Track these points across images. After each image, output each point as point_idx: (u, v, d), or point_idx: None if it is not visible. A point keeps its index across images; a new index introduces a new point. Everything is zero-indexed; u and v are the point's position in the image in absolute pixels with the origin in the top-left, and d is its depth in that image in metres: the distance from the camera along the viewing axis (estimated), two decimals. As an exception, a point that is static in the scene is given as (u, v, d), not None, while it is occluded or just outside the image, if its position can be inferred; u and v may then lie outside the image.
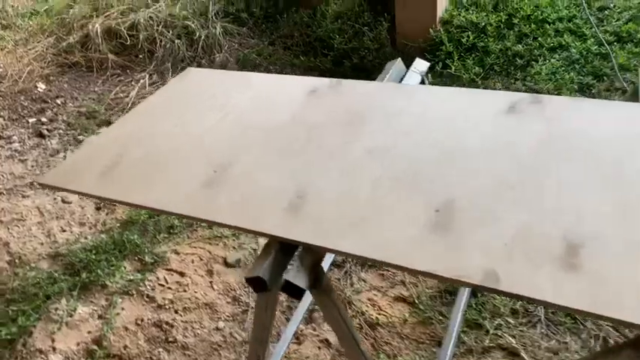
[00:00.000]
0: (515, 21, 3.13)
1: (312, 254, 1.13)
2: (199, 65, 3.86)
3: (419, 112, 1.44)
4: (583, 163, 1.17)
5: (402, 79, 1.76)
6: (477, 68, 3.01)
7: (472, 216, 1.09)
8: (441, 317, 1.96)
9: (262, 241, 2.38)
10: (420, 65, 1.77)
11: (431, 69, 3.14)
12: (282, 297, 2.10)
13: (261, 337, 1.42)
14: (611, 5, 3.07)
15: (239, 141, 1.46)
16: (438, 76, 3.10)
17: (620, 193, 1.08)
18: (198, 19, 4.17)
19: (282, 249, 1.16)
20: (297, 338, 1.97)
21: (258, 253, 2.25)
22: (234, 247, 2.38)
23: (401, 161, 1.27)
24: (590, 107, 1.37)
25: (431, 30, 3.25)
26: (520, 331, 1.87)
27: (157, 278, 2.27)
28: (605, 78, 2.73)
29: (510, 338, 1.84)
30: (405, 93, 1.58)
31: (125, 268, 2.32)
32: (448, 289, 2.05)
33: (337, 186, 1.23)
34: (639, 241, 0.98)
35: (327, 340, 1.95)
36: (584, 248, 0.98)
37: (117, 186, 1.38)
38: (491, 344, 1.84)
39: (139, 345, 2.01)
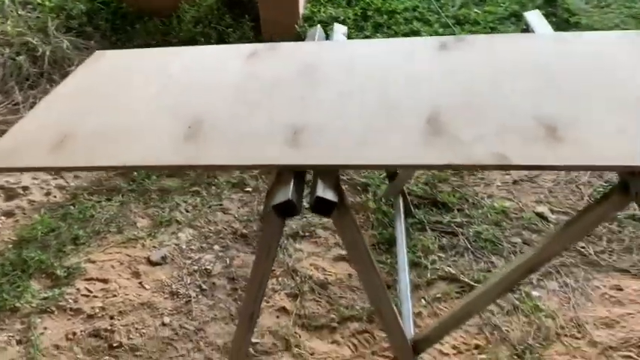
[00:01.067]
0: (370, 13, 3.47)
1: (330, 175, 1.18)
2: (51, 81, 3.54)
3: (367, 60, 1.56)
4: (520, 76, 1.40)
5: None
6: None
7: (457, 122, 1.24)
8: (382, 265, 2.09)
9: (183, 236, 2.30)
10: (341, 29, 1.91)
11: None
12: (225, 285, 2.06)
13: (257, 293, 1.41)
14: (444, -4, 3.58)
15: (198, 100, 1.43)
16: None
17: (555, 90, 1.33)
18: (37, 35, 3.83)
19: (296, 177, 1.19)
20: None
21: (182, 247, 2.19)
22: (154, 247, 2.25)
23: (374, 96, 1.38)
24: (504, 39, 1.64)
25: (296, 26, 3.43)
26: (452, 261, 2.08)
27: (78, 290, 2.04)
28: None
29: (447, 268, 2.05)
30: (344, 46, 1.70)
31: (34, 287, 2.05)
32: (381, 240, 2.20)
33: (328, 121, 1.29)
34: (591, 119, 1.22)
35: (283, 307, 1.95)
36: (560, 127, 1.18)
37: (78, 155, 1.27)
38: (432, 277, 2.02)
39: (79, 359, 1.80)
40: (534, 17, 1.81)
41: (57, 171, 2.61)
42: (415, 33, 3.34)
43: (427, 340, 1.51)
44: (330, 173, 1.18)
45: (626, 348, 1.73)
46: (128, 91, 1.52)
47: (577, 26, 3.26)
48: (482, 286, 1.40)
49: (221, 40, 3.57)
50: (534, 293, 1.93)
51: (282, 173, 1.20)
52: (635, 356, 1.70)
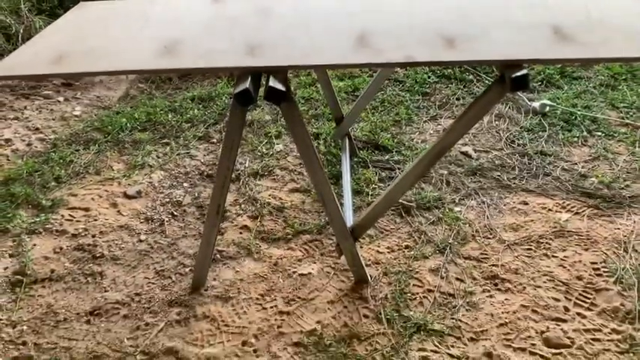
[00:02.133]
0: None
1: (280, 74, 1.51)
2: (24, 55, 3.76)
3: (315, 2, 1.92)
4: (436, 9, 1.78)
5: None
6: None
7: (380, 39, 1.60)
8: (330, 193, 2.43)
9: (155, 176, 2.59)
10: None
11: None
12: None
13: (223, 186, 1.72)
14: None
15: (173, 31, 1.75)
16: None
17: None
18: (10, 16, 4.05)
19: (253, 77, 1.52)
20: (219, 232, 2.24)
21: (155, 184, 2.48)
22: (129, 184, 2.53)
23: (318, 24, 1.72)
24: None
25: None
26: (390, 188, 2.44)
27: (62, 216, 2.31)
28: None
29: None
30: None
31: (22, 214, 2.30)
32: (329, 176, 2.54)
33: (278, 40, 1.63)
34: (483, 35, 1.59)
35: (246, 226, 2.27)
36: (457, 40, 1.55)
37: (74, 66, 1.56)
38: (372, 200, 2.37)
39: (66, 266, 2.07)
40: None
41: (58, 77, 2.86)
42: None
43: (362, 225, 1.86)
44: (280, 73, 1.52)
45: (527, 243, 2.11)
46: (113, 26, 1.82)
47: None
48: (401, 173, 1.76)
49: None
50: (456, 209, 2.31)
51: (241, 76, 1.53)
52: (534, 248, 2.09)
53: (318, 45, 1.59)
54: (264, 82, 1.54)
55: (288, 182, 2.54)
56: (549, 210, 2.27)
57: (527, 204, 2.32)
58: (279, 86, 1.46)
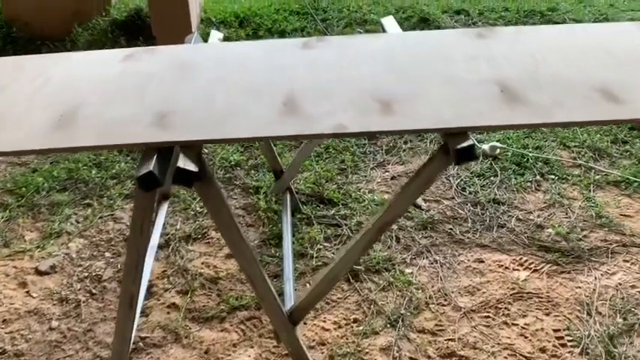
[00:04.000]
0: (261, 33, 3.66)
1: (192, 149, 1.29)
2: None
3: (236, 55, 1.71)
4: (365, 64, 1.60)
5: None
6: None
7: (308, 102, 1.40)
8: (271, 258, 2.20)
9: (73, 245, 2.30)
10: (217, 34, 2.05)
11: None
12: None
13: (135, 274, 1.47)
14: (330, 17, 3.83)
15: (73, 95, 1.50)
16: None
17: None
18: None
19: (160, 154, 1.29)
20: (144, 312, 1.97)
21: (72, 256, 2.20)
22: (42, 257, 2.23)
23: (238, 83, 1.52)
24: (359, 38, 1.85)
25: (190, 45, 3.55)
26: (336, 249, 2.23)
27: (-42, 303, 1.99)
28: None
29: (331, 255, 2.20)
30: (217, 47, 1.84)
31: None
32: (270, 236, 2.31)
33: (192, 104, 1.41)
34: (421, 95, 1.43)
35: (174, 303, 2.01)
36: (394, 102, 1.37)
37: None
38: (317, 264, 2.16)
39: (-42, 369, 1.76)
40: (388, 21, 2.04)
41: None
42: (304, 51, 3.56)
43: (301, 308, 1.63)
44: (192, 148, 1.30)
45: (485, 310, 1.94)
46: (5, 88, 1.56)
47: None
48: (342, 249, 1.55)
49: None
50: (407, 270, 2.12)
51: (147, 151, 1.30)
52: (493, 316, 1.91)
53: (240, 109, 1.38)
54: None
55: (223, 246, 2.29)
56: (506, 268, 2.11)
57: (482, 262, 2.15)
58: (190, 166, 1.24)
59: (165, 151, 1.30)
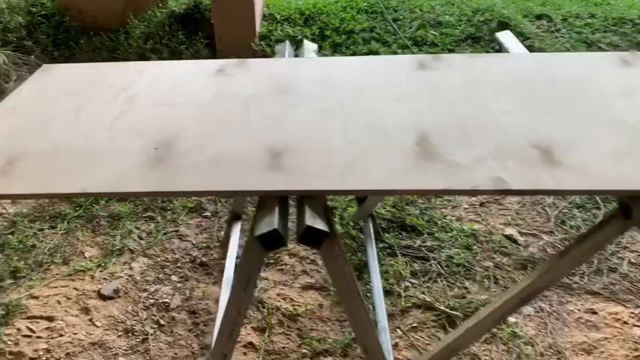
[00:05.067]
0: (327, 33, 3.42)
1: (318, 201, 1.07)
2: (-15, 97, 3.27)
3: (343, 77, 1.48)
4: (505, 96, 1.36)
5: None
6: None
7: (449, 144, 1.17)
8: (353, 294, 1.98)
9: (136, 266, 2.12)
10: (311, 46, 1.82)
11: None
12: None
13: (231, 333, 1.27)
14: (401, 17, 3.57)
15: (166, 119, 1.30)
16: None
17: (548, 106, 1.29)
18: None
19: (281, 205, 1.07)
20: (217, 351, 1.78)
21: (137, 278, 2.01)
22: (104, 278, 2.05)
23: (356, 115, 1.29)
24: (481, 58, 1.60)
25: (253, 44, 3.33)
26: (426, 287, 2.00)
27: (18, 330, 1.82)
28: (414, 75, 3.17)
29: (421, 295, 1.97)
30: (318, 63, 1.61)
31: (-35, 329, 1.81)
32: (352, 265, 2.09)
33: (307, 141, 1.19)
34: (586, 141, 1.18)
35: (250, 343, 1.81)
36: (556, 149, 1.13)
37: (27, 181, 1.11)
38: (406, 305, 1.93)
39: (20, 411, 1.59)
40: (507, 37, 1.79)
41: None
42: (374, 53, 3.31)
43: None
44: (318, 199, 1.08)
45: (605, 374, 1.69)
46: (84, 108, 1.37)
47: (530, 49, 3.32)
48: (472, 319, 1.32)
49: (173, 56, 3.41)
50: (510, 319, 1.88)
51: (265, 200, 1.08)
52: None
53: (364, 149, 1.16)
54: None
55: (299, 275, 2.08)
56: (624, 323, 1.85)
57: (595, 313, 1.90)
58: (321, 225, 1.02)
59: (283, 203, 1.09)
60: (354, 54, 3.29)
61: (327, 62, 1.65)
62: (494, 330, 1.83)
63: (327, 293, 1.99)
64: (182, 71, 1.58)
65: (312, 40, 3.41)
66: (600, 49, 3.35)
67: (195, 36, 3.48)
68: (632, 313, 1.89)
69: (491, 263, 2.10)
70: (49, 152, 1.19)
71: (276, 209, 1.04)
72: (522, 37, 3.40)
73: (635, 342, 1.79)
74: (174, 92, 1.44)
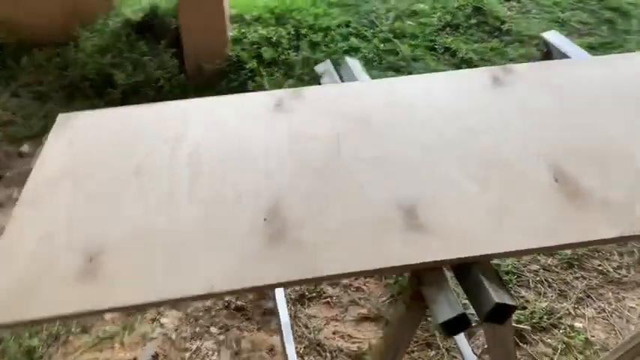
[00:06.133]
0: (303, 31, 3.22)
1: (486, 267, 0.93)
2: None
3: (425, 103, 1.33)
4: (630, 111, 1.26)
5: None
6: (289, 80, 2.99)
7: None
8: (412, 320, 1.87)
9: (167, 321, 1.89)
10: (356, 64, 1.64)
11: (243, 88, 2.99)
12: None
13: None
14: (374, 8, 3.43)
15: (250, 177, 1.10)
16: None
17: None
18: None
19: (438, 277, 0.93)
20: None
21: (172, 337, 1.79)
22: (135, 343, 1.81)
23: (467, 149, 1.15)
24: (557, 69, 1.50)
25: (227, 51, 3.08)
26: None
27: None
28: (402, 69, 3.05)
29: (482, 312, 1.89)
30: (384, 87, 1.44)
31: None
32: (394, 291, 1.97)
33: (444, 189, 1.04)
34: None
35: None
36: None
37: (125, 284, 0.90)
38: (471, 324, 1.85)
39: None
40: (557, 38, 1.70)
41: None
42: (355, 49, 3.17)
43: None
44: (486, 266, 0.94)
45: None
46: (144, 169, 1.13)
47: (509, 33, 3.30)
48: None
49: (137, 69, 3.09)
50: (576, 324, 1.84)
51: (422, 273, 0.93)
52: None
53: (513, 194, 1.03)
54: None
55: (347, 306, 1.94)
56: (685, 313, 1.88)
57: (654, 306, 1.91)
58: (507, 299, 0.88)
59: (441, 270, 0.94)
60: (334, 52, 3.12)
61: (392, 84, 1.47)
62: (566, 339, 1.78)
63: (385, 323, 1.86)
64: (232, 110, 1.36)
65: (289, 40, 3.21)
66: (573, 27, 3.39)
67: (158, 45, 3.17)
68: (688, 301, 1.91)
69: (537, 266, 2.05)
70: (134, 239, 0.97)
71: (444, 286, 0.90)
72: (499, 21, 3.37)
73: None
74: (239, 140, 1.22)
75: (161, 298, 0.87)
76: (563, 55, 1.64)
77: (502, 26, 3.35)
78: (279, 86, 2.98)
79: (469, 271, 0.92)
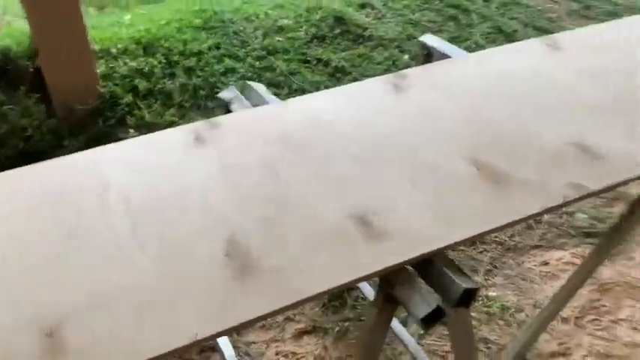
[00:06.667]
0: (175, 59, 3.15)
1: (444, 260, 1.01)
2: None
3: (334, 115, 1.39)
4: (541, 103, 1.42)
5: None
6: (171, 110, 2.91)
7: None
8: (347, 320, 1.93)
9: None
10: (261, 87, 1.66)
11: (121, 124, 2.85)
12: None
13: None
14: (241, 28, 3.45)
15: (191, 218, 1.08)
16: (130, 127, 2.83)
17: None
18: None
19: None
20: None
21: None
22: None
23: (395, 152, 1.24)
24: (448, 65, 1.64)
25: (98, 87, 2.91)
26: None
27: None
28: (282, 84, 3.12)
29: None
30: (298, 106, 1.48)
31: None
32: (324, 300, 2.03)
33: (392, 197, 1.11)
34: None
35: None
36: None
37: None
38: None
39: None
40: (434, 41, 1.86)
41: None
42: (231, 70, 3.17)
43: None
44: (446, 258, 1.02)
45: (588, 313, 1.95)
46: (78, 226, 1.05)
47: (371, 39, 3.52)
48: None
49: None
50: (491, 294, 2.03)
51: (398, 274, 0.98)
52: (598, 317, 1.93)
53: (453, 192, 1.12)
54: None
55: (284, 325, 1.95)
56: (572, 264, 2.15)
57: (547, 263, 2.16)
58: (471, 283, 0.97)
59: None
60: (212, 75, 3.10)
61: (302, 103, 1.51)
62: (486, 309, 1.96)
63: (323, 333, 1.90)
64: (149, 151, 1.30)
65: (162, 69, 3.12)
66: (425, 26, 3.70)
67: (16, 92, 2.90)
68: (573, 253, 2.19)
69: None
70: (93, 303, 0.91)
71: (418, 282, 0.96)
72: (360, 28, 3.58)
73: (593, 282, 2.08)
74: (169, 181, 1.18)
75: (147, 357, 0.83)
76: (444, 56, 1.81)
77: (364, 33, 3.56)
78: (161, 117, 2.89)
79: (431, 265, 1.00)
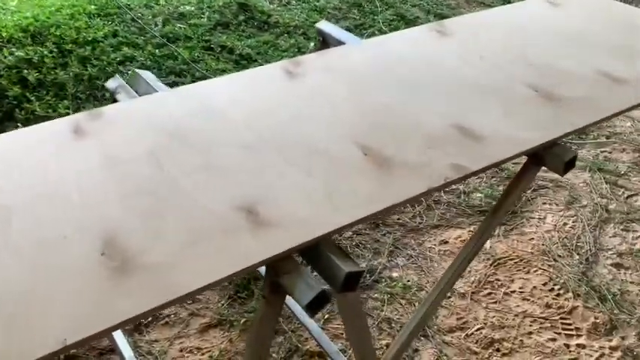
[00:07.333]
0: (68, 47, 2.95)
1: (329, 245, 1.01)
2: None
3: (227, 104, 1.36)
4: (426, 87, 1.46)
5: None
6: (64, 101, 2.73)
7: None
8: (254, 311, 1.92)
9: None
10: (149, 75, 1.59)
11: (9, 118, 2.65)
12: None
13: None
14: (140, 15, 3.30)
15: (67, 210, 1.02)
16: (19, 122, 2.63)
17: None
18: None
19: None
20: None
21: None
22: None
23: (290, 141, 1.23)
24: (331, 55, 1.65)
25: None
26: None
27: None
28: (184, 73, 3.01)
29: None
30: (187, 93, 1.43)
31: None
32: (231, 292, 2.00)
33: (281, 185, 1.09)
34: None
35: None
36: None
37: None
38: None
39: None
40: (330, 27, 1.87)
41: None
42: (129, 59, 3.02)
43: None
44: (331, 243, 1.03)
45: (482, 287, 2.05)
46: None
47: (277, 25, 3.49)
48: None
49: None
50: (394, 275, 2.09)
51: (286, 261, 0.97)
52: (492, 290, 2.04)
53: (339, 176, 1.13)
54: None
55: (188, 320, 1.90)
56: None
57: (446, 242, 2.25)
58: (355, 267, 0.98)
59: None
60: (108, 64, 2.94)
61: (194, 90, 1.46)
62: (389, 290, 2.02)
63: (229, 326, 1.88)
64: (23, 146, 1.22)
65: (53, 59, 2.92)
66: (330, 13, 3.72)
67: None
68: (469, 231, 2.30)
69: (350, 232, 2.26)
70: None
71: (303, 269, 0.96)
72: (265, 15, 3.53)
73: (485, 253, 2.19)
74: (43, 177, 1.10)
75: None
76: (339, 42, 1.82)
77: (269, 20, 3.52)
78: (54, 110, 2.72)
79: (316, 251, 1.00)
